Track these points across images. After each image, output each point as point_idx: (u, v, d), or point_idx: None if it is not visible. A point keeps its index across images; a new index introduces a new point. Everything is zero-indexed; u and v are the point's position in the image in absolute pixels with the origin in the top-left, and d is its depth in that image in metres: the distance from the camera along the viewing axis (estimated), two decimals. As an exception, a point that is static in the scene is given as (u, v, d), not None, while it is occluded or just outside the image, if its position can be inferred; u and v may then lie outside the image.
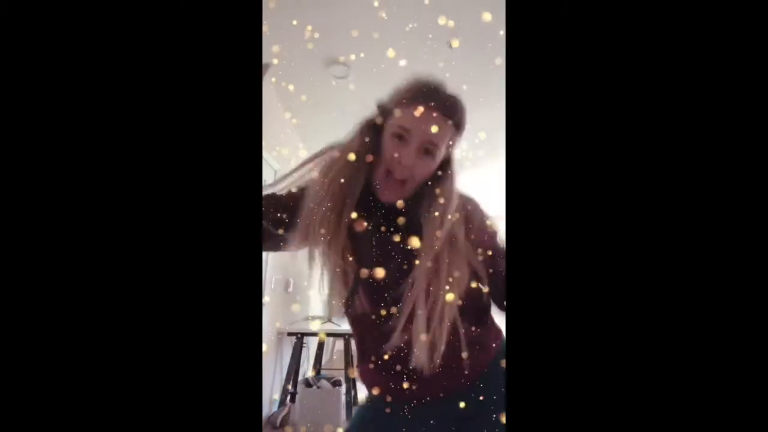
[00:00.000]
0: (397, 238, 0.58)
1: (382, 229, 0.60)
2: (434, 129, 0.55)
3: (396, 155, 0.57)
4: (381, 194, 0.60)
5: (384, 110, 0.60)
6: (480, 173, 3.95)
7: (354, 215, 0.59)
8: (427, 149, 0.57)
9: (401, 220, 0.59)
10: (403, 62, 2.10)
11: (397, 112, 0.57)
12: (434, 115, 0.56)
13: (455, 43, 1.97)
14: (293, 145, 3.07)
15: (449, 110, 0.58)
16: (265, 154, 2.38)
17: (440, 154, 0.59)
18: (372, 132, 0.60)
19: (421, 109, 0.55)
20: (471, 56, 2.12)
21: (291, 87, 2.51)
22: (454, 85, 0.60)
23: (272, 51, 1.93)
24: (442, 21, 1.80)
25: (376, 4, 1.74)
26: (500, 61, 2.00)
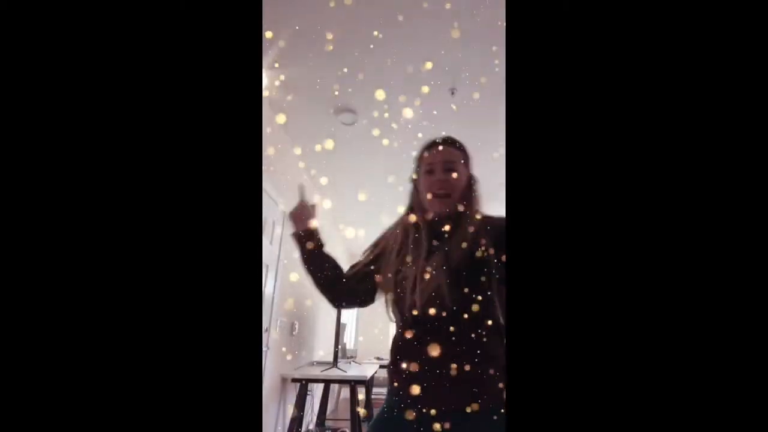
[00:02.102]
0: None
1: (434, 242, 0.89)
2: (449, 154, 0.93)
3: (433, 179, 0.91)
4: (431, 209, 0.91)
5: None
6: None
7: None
8: (449, 168, 0.90)
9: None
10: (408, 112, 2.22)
11: (426, 156, 0.94)
12: (441, 148, 0.93)
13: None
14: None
15: (452, 142, 0.95)
16: (267, 185, 2.40)
17: (461, 170, 0.92)
18: (413, 190, 0.98)
19: (439, 147, 0.93)
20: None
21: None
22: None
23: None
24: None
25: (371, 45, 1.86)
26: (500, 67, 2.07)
